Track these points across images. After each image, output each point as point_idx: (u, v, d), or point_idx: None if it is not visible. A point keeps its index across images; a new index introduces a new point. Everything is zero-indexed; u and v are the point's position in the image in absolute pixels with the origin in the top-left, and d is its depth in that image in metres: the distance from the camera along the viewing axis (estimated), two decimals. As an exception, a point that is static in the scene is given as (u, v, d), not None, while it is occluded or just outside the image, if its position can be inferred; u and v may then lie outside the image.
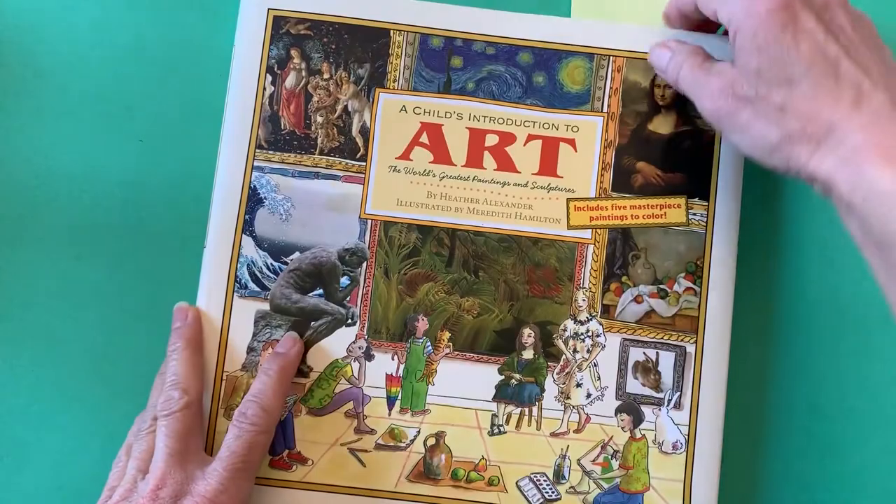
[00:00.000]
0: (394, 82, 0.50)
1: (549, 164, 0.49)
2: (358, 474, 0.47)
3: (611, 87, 0.50)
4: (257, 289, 0.48)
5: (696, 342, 0.49)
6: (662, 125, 0.50)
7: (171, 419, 0.44)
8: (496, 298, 0.49)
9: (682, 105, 0.50)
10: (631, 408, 0.48)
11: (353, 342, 0.48)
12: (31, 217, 0.49)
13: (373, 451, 0.48)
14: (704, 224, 0.49)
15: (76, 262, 0.49)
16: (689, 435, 0.48)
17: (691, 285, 0.49)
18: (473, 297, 0.49)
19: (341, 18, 0.50)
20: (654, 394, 0.48)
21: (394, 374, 0.48)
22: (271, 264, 0.49)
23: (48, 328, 0.49)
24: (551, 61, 0.50)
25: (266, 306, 0.48)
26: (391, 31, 0.50)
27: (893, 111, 0.38)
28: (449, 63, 0.50)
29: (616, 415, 0.48)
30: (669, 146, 0.50)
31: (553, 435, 0.48)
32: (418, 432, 0.48)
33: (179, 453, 0.43)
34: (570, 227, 0.49)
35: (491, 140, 0.50)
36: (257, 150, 0.49)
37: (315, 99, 0.50)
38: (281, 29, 0.50)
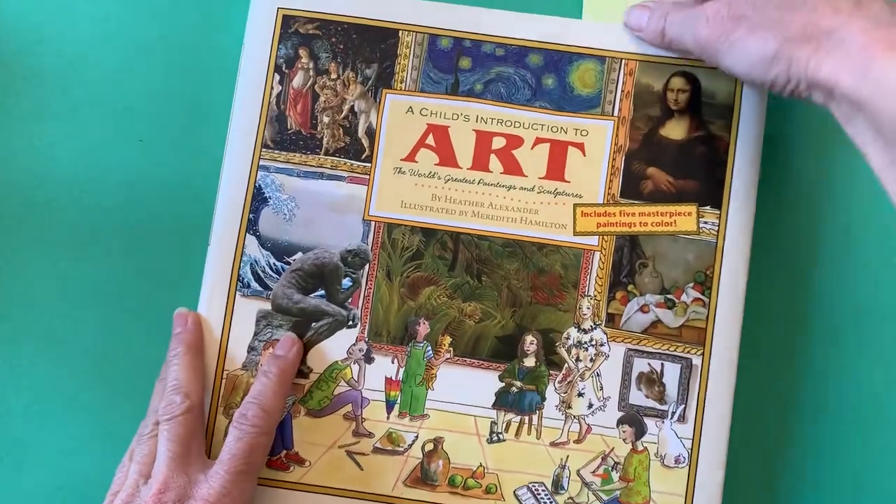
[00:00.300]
0: (401, 83, 0.49)
1: (556, 169, 0.49)
2: (355, 477, 0.47)
3: (622, 91, 0.49)
4: (259, 288, 0.49)
5: (702, 354, 0.47)
6: (675, 130, 0.49)
7: (173, 423, 0.44)
8: (499, 304, 0.48)
9: (696, 110, 0.48)
10: (633, 419, 0.47)
11: (354, 344, 0.48)
12: (31, 217, 0.50)
13: (370, 454, 0.47)
14: (716, 233, 0.48)
15: (76, 263, 0.50)
16: (692, 449, 0.47)
17: (700, 296, 0.48)
18: (476, 302, 0.48)
19: (350, 18, 0.49)
20: (657, 406, 0.47)
21: (393, 378, 0.48)
22: (274, 264, 0.49)
23: (48, 328, 0.49)
24: (562, 63, 0.49)
25: (268, 306, 0.48)
26: (400, 32, 0.49)
27: (892, 17, 0.38)
28: (457, 64, 0.49)
29: (618, 426, 0.47)
30: (682, 152, 0.48)
31: (553, 444, 0.47)
32: (416, 437, 0.48)
33: (181, 457, 0.43)
34: (576, 234, 0.48)
35: (498, 143, 0.49)
36: (263, 150, 0.49)
37: (322, 99, 0.49)
38: (290, 28, 0.50)
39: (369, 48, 0.49)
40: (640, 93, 0.49)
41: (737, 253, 0.48)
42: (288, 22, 0.50)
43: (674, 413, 0.47)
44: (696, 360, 0.47)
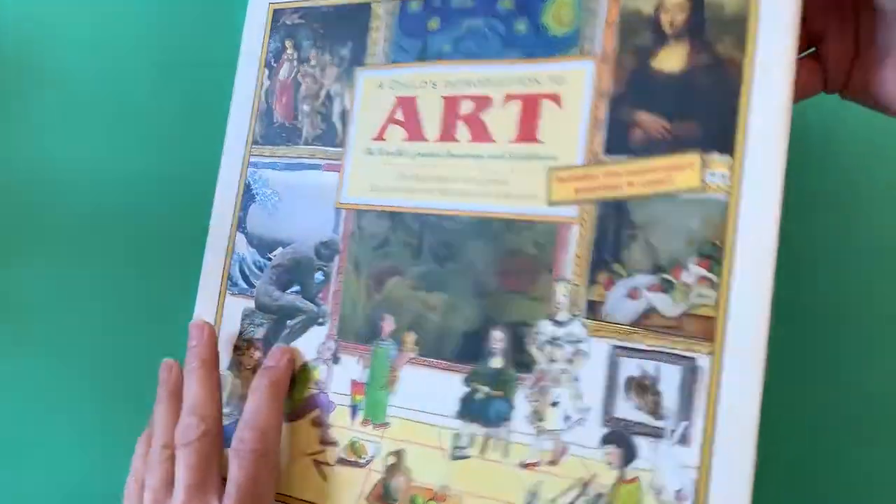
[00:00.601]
0: (373, 57, 0.45)
1: (528, 128, 0.40)
2: (319, 489, 0.43)
3: (605, 21, 0.39)
4: (245, 286, 0.47)
5: (712, 353, 0.35)
6: (670, 59, 0.37)
7: (189, 450, 0.42)
8: (464, 294, 0.41)
9: (697, 31, 0.37)
10: (620, 438, 0.36)
11: (323, 343, 0.44)
12: (31, 217, 0.51)
13: (335, 464, 0.43)
14: (728, 188, 0.35)
15: (76, 262, 0.51)
16: (698, 482, 0.34)
17: (706, 274, 0.35)
18: (440, 292, 0.41)
19: (331, 1, 0.47)
20: (651, 421, 0.36)
21: (358, 381, 0.43)
22: (258, 261, 0.47)
23: (48, 329, 0.50)
24: (534, 2, 0.41)
25: (253, 304, 0.47)
26: (371, 4, 0.46)
27: None
28: (426, 27, 0.44)
29: (601, 446, 0.37)
30: (680, 87, 0.37)
31: (523, 465, 0.38)
32: (378, 448, 0.42)
33: (198, 486, 0.41)
34: (550, 203, 0.39)
35: (466, 107, 0.42)
36: (253, 146, 0.48)
37: (303, 87, 0.47)
38: (279, 21, 0.49)
39: (345, 27, 0.46)
40: (626, 20, 0.38)
41: (758, 213, 0.34)
42: (278, 16, 0.49)
43: (673, 432, 0.35)
44: (703, 361, 0.35)
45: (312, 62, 0.47)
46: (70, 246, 0.52)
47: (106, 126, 0.52)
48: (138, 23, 0.53)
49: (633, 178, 0.37)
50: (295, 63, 0.48)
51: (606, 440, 0.36)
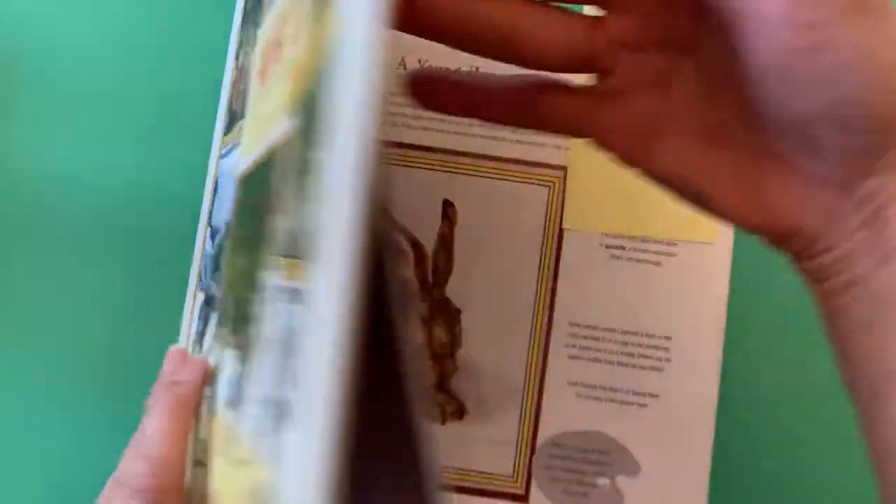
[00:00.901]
0: (264, 14, 0.41)
1: (295, 32, 0.31)
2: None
3: None
4: (203, 280, 0.46)
5: (311, 281, 0.21)
6: None
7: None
8: (245, 253, 0.33)
9: None
10: (274, 427, 0.24)
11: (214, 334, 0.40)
12: (29, 217, 0.50)
13: (194, 466, 0.37)
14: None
15: (74, 263, 0.50)
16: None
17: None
18: (239, 255, 0.34)
19: (267, -27, 0.45)
20: (292, 399, 0.23)
21: (213, 370, 0.37)
22: (210, 252, 0.45)
23: (46, 329, 0.49)
24: None
25: (203, 297, 0.45)
26: (269, -42, 0.42)
27: None
28: (280, -41, 0.38)
29: (270, 436, 0.25)
30: None
31: (237, 464, 0.28)
32: (207, 446, 0.35)
33: None
34: (288, 115, 0.30)
35: (274, 31, 0.35)
36: (223, 139, 0.47)
37: (245, 67, 0.45)
38: (246, 10, 0.48)
39: (262, -7, 0.43)
40: None
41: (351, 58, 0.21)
42: (246, 6, 0.48)
43: (293, 413, 0.22)
44: (314, 295, 0.22)
45: (251, 40, 0.45)
46: (68, 246, 0.51)
47: (105, 125, 0.52)
48: (139, 22, 0.53)
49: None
50: (244, 46, 0.46)
51: (272, 429, 0.25)
